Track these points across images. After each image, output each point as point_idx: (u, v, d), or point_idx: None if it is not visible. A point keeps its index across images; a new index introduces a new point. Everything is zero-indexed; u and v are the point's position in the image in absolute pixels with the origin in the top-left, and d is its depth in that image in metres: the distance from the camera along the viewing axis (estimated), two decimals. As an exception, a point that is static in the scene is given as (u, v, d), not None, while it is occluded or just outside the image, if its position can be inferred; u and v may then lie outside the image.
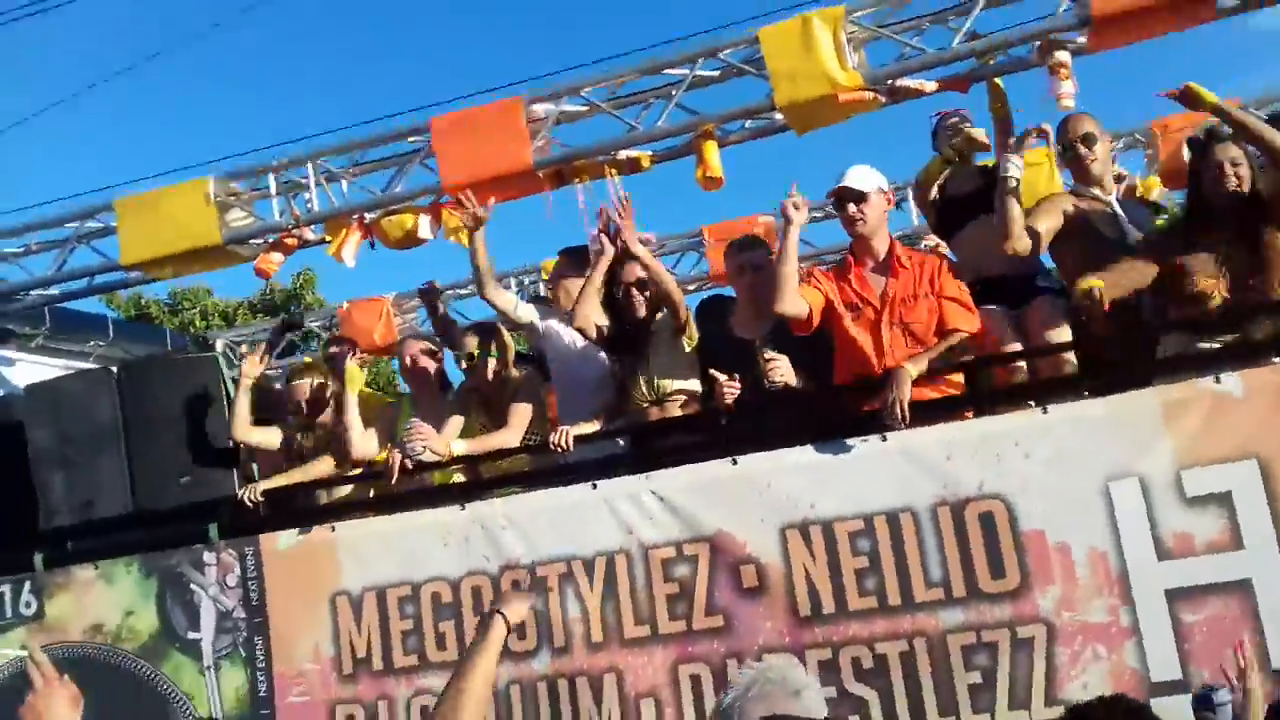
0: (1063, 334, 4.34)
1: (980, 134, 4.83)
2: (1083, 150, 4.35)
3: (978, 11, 4.61)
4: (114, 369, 5.42)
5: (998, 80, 4.78)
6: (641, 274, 4.56)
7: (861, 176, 4.23)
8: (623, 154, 5.15)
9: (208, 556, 4.86)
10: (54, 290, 6.02)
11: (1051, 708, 3.72)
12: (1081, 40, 4.59)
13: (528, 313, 5.00)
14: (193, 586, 4.85)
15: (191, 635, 4.83)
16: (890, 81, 4.73)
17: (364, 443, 5.03)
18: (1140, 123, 6.64)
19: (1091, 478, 3.80)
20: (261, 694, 4.70)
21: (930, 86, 4.80)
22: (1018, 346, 4.36)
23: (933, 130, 4.93)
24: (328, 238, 5.43)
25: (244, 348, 6.94)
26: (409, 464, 4.66)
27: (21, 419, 5.43)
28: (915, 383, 4.02)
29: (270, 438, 5.44)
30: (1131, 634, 3.72)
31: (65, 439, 5.27)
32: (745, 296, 4.64)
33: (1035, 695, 3.78)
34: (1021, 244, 4.21)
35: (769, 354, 4.23)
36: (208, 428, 5.23)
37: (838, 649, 4.02)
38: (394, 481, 4.68)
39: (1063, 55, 4.51)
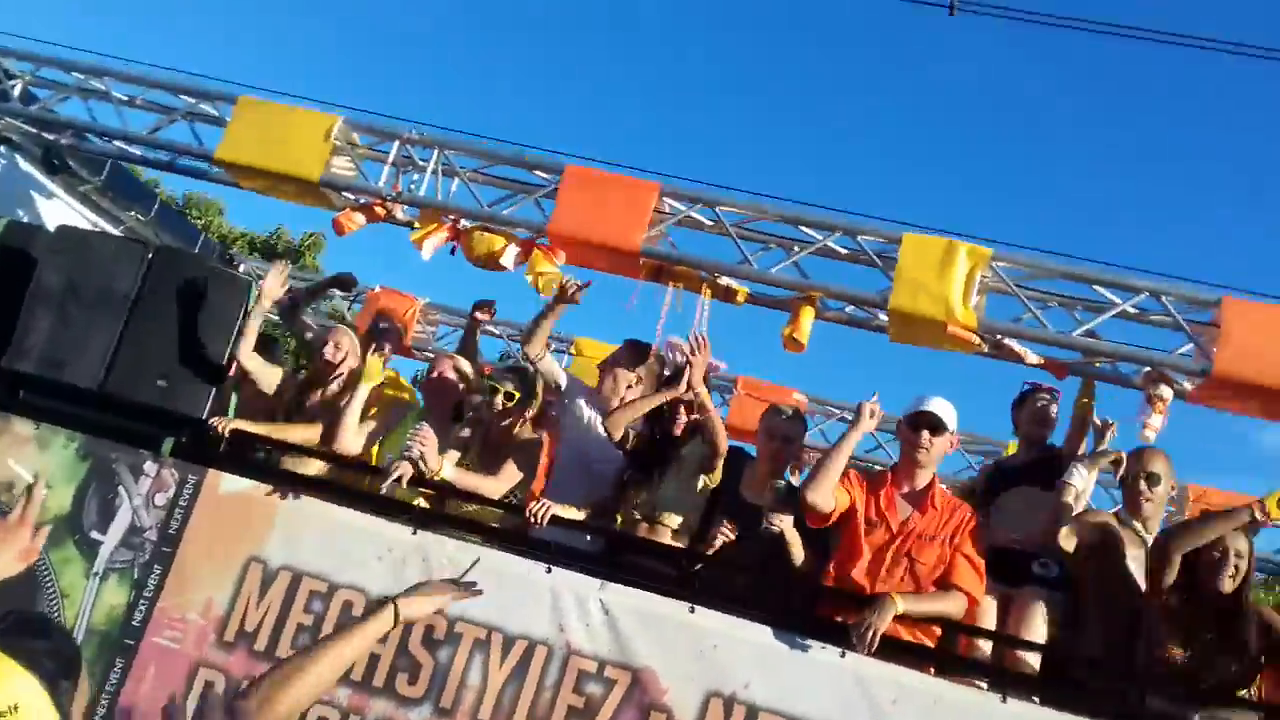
0: (1037, 632, 4.33)
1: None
2: (1143, 486, 4.39)
3: (1106, 317, 4.73)
4: (149, 247, 5.30)
5: (1093, 381, 4.86)
6: (691, 398, 4.55)
7: (946, 410, 4.26)
8: (724, 280, 5.19)
9: (148, 466, 4.68)
10: (135, 150, 5.96)
11: None
12: (1187, 386, 4.69)
13: (563, 379, 4.97)
14: (120, 489, 4.66)
15: (95, 535, 4.61)
16: (999, 337, 4.81)
17: (353, 439, 4.92)
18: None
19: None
20: (134, 623, 4.47)
21: (1033, 359, 4.90)
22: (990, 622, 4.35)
23: (1019, 396, 4.97)
24: (416, 224, 5.41)
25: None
26: (403, 481, 4.54)
27: (38, 254, 5.30)
28: (895, 618, 3.98)
29: (269, 374, 5.33)
30: None
31: (71, 291, 5.12)
32: (766, 463, 4.62)
33: None
34: (1064, 545, 4.22)
35: (776, 509, 4.21)
36: (209, 346, 5.10)
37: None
38: (383, 488, 4.54)
39: (1166, 390, 4.62)
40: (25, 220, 6.60)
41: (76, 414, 4.92)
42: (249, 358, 5.10)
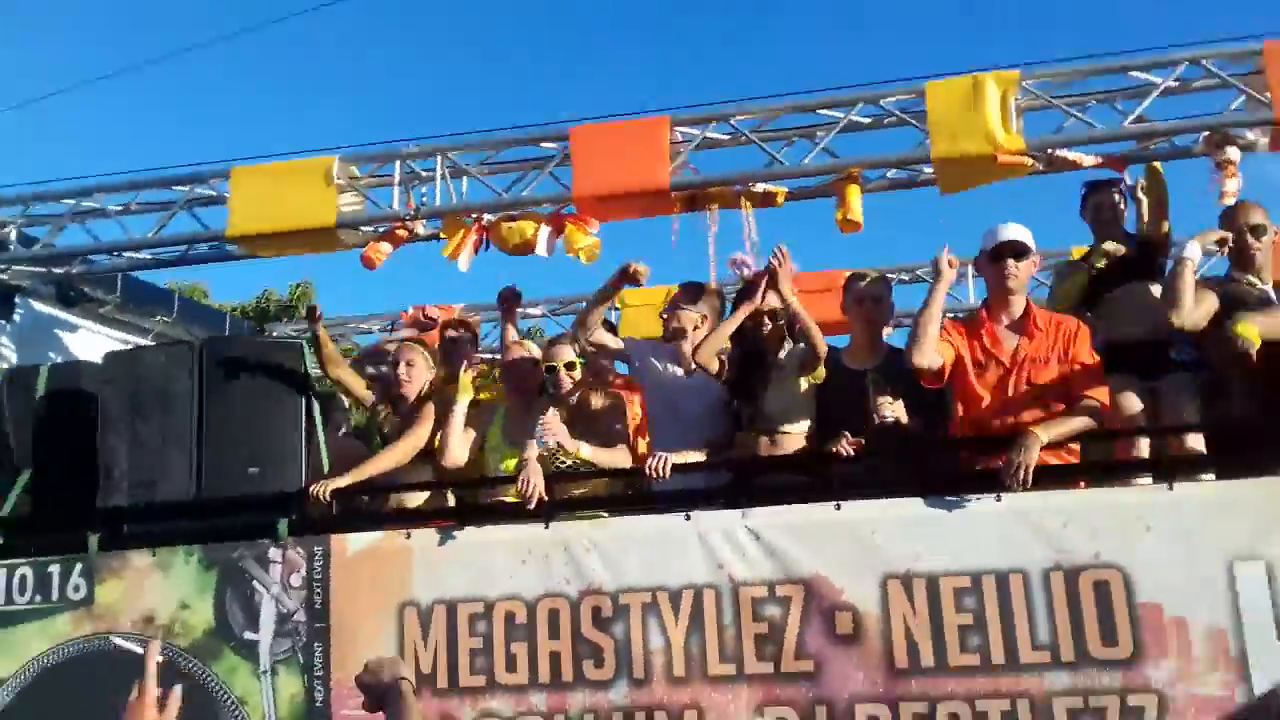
0: (1192, 413, 4.29)
1: (1114, 248, 4.77)
2: (1250, 240, 4.32)
3: (1151, 100, 4.60)
4: (196, 343, 5.26)
5: (1157, 165, 4.74)
6: (777, 304, 4.51)
7: (1024, 234, 4.22)
8: (759, 187, 5.09)
9: (273, 553, 4.70)
10: (144, 255, 5.89)
11: (1158, 777, 3.64)
12: (1254, 138, 4.57)
13: (619, 344, 4.93)
14: (255, 584, 4.68)
15: (249, 636, 4.65)
16: (1050, 151, 4.70)
17: (460, 450, 4.89)
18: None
19: (1216, 557, 3.73)
20: (318, 704, 4.51)
21: (1089, 160, 4.81)
22: (1139, 416, 4.30)
23: (1083, 200, 4.87)
24: (442, 235, 5.34)
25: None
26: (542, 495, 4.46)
27: (91, 387, 5.28)
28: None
29: (360, 387, 5.32)
30: (1247, 713, 3.64)
31: (137, 413, 5.11)
32: (860, 327, 4.61)
33: (1142, 765, 3.68)
34: (1189, 318, 4.15)
35: (882, 388, 4.20)
36: (284, 418, 5.08)
37: (935, 704, 3.90)
38: (533, 505, 4.47)
39: (1233, 151, 4.52)
40: (59, 360, 6.59)
41: (185, 528, 4.93)
42: (339, 370, 5.13)
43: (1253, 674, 3.64)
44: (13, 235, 6.13)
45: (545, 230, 5.26)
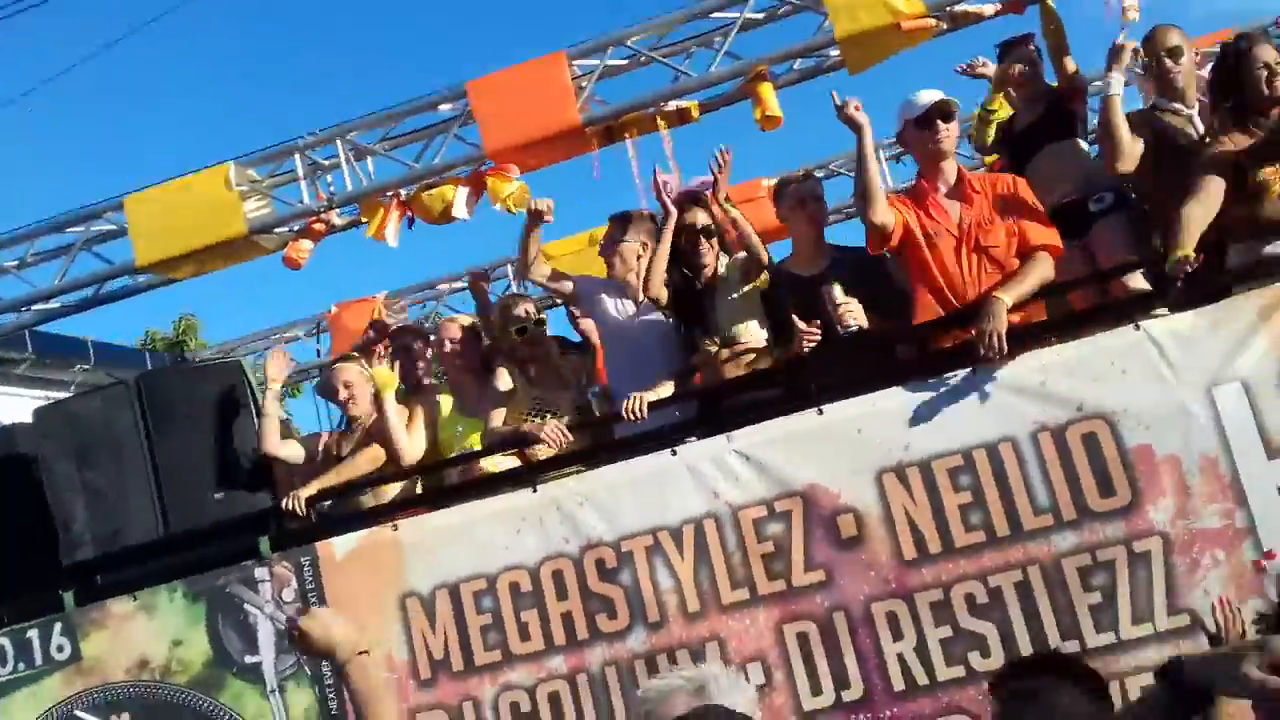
0: (1129, 253, 4.33)
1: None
2: (1169, 64, 4.34)
3: None
4: (131, 381, 5.07)
5: (1049, 1, 4.76)
6: (707, 221, 4.44)
7: (944, 95, 4.17)
8: (671, 105, 5.00)
9: (259, 572, 4.56)
10: (54, 304, 5.62)
11: (1174, 617, 3.70)
12: None
13: (569, 284, 4.84)
14: (246, 607, 4.54)
15: (250, 659, 4.52)
16: (949, 8, 4.67)
17: (414, 444, 4.80)
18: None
19: (1193, 387, 3.77)
20: (334, 712, 4.41)
21: (989, 10, 4.79)
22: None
23: (999, 59, 4.87)
24: (363, 219, 5.18)
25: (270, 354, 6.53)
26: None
27: (31, 448, 5.06)
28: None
29: (296, 452, 5.16)
30: (1248, 534, 3.69)
31: (84, 463, 4.93)
32: (805, 229, 4.54)
33: (1157, 608, 3.73)
34: (1132, 160, 4.15)
35: (839, 298, 4.15)
36: (237, 438, 4.95)
37: (949, 588, 3.92)
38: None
39: None
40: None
41: (160, 568, 4.77)
42: (275, 447, 4.93)
43: (1249, 498, 3.70)
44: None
45: (462, 191, 5.13)
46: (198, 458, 4.94)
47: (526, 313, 4.74)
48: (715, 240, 4.54)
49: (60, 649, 4.69)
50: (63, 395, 7.01)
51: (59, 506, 4.93)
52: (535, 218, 4.60)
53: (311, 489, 4.78)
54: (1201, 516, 3.74)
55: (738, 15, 4.88)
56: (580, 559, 4.27)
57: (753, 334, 4.52)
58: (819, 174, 6.91)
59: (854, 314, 4.12)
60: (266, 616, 4.52)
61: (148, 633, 4.63)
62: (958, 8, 4.72)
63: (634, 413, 4.36)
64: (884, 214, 4.12)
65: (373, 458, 4.93)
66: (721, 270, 4.61)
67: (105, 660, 4.64)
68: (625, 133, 4.99)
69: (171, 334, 18.46)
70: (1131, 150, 4.17)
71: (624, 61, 5.07)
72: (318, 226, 5.25)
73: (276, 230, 5.25)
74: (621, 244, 4.78)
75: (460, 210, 5.16)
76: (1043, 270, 4.10)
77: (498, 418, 4.81)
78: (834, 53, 4.84)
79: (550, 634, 4.26)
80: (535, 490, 4.37)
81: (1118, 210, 4.49)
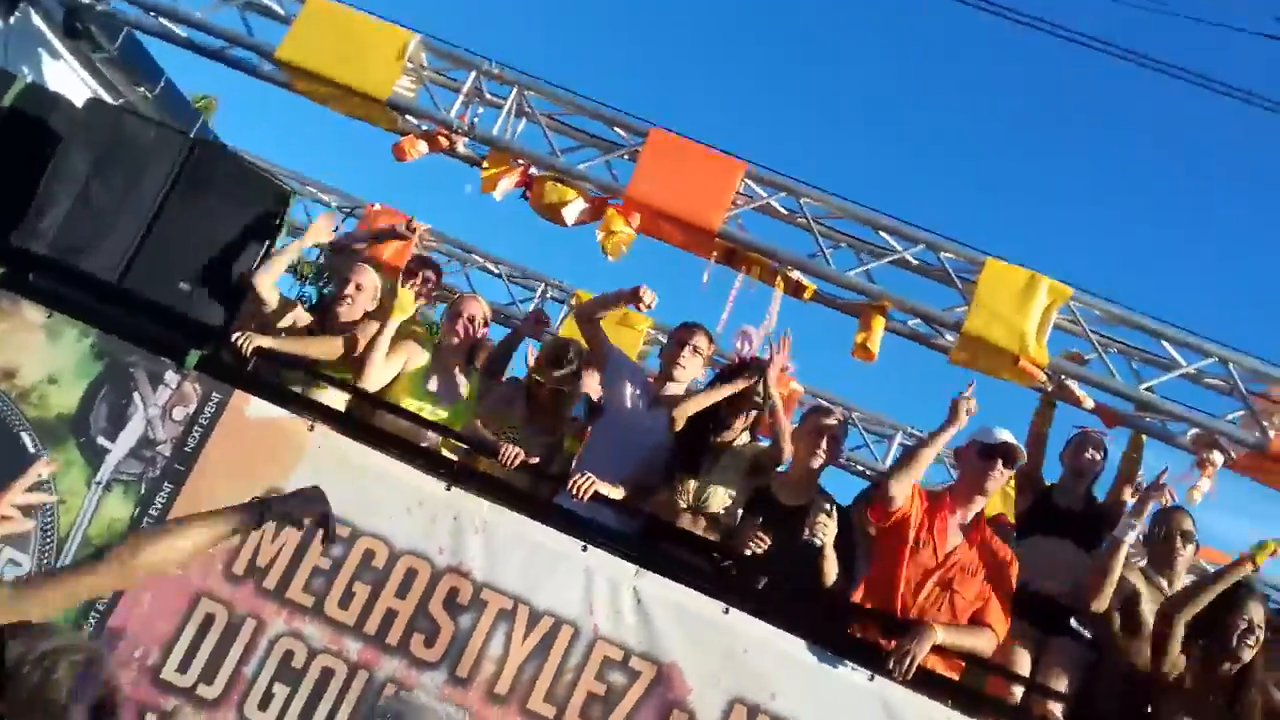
0: (1064, 684, 4.38)
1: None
2: (1179, 544, 4.45)
3: (1170, 376, 4.75)
4: (188, 138, 4.94)
5: (1143, 436, 4.89)
6: (758, 394, 4.45)
7: (1018, 443, 4.26)
8: (794, 273, 5.07)
9: (169, 377, 4.39)
10: (179, 29, 5.49)
11: None
12: (1236, 457, 4.75)
13: (604, 344, 4.82)
14: (135, 395, 4.37)
15: (102, 441, 4.32)
16: (1063, 377, 4.80)
17: (380, 374, 4.70)
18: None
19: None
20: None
21: (1089, 404, 4.90)
22: (1024, 668, 4.38)
23: (1074, 440, 4.97)
24: (486, 164, 5.14)
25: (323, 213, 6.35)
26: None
27: (60, 127, 4.91)
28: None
29: (273, 298, 5.02)
30: None
31: (97, 173, 4.76)
32: (808, 461, 4.52)
33: None
34: (1103, 606, 4.25)
35: (824, 518, 4.17)
36: (240, 254, 4.81)
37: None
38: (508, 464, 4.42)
39: (1219, 456, 4.67)
40: (32, 80, 6.12)
41: (91, 307, 4.59)
42: (263, 283, 4.80)
43: None
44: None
45: (579, 204, 5.12)
46: (194, 243, 4.77)
47: (572, 364, 4.70)
48: (752, 415, 4.55)
49: (-45, 308, 4.48)
50: (109, 99, 6.84)
51: (45, 192, 4.74)
52: (633, 299, 4.56)
53: (267, 342, 4.65)
54: None
55: (900, 249, 4.99)
56: (440, 574, 4.15)
57: (721, 508, 4.49)
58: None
59: (826, 532, 4.13)
60: (144, 416, 4.34)
61: (34, 352, 4.44)
62: (1068, 380, 4.85)
63: (580, 489, 4.30)
64: (904, 492, 4.17)
65: (328, 350, 4.81)
66: (738, 443, 4.57)
67: (-17, 344, 4.44)
68: (744, 265, 5.04)
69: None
70: (1107, 600, 4.27)
71: (784, 210, 5.14)
72: (443, 140, 5.21)
73: (410, 117, 5.21)
74: (694, 356, 4.72)
75: (569, 216, 5.15)
76: (984, 642, 4.15)
77: (489, 423, 4.75)
78: (950, 336, 4.94)
79: (366, 618, 4.11)
80: (449, 489, 4.28)
81: (1090, 647, 4.55)
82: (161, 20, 5.59)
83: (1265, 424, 4.71)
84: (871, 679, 4.00)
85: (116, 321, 4.55)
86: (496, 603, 4.12)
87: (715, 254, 5.03)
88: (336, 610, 4.12)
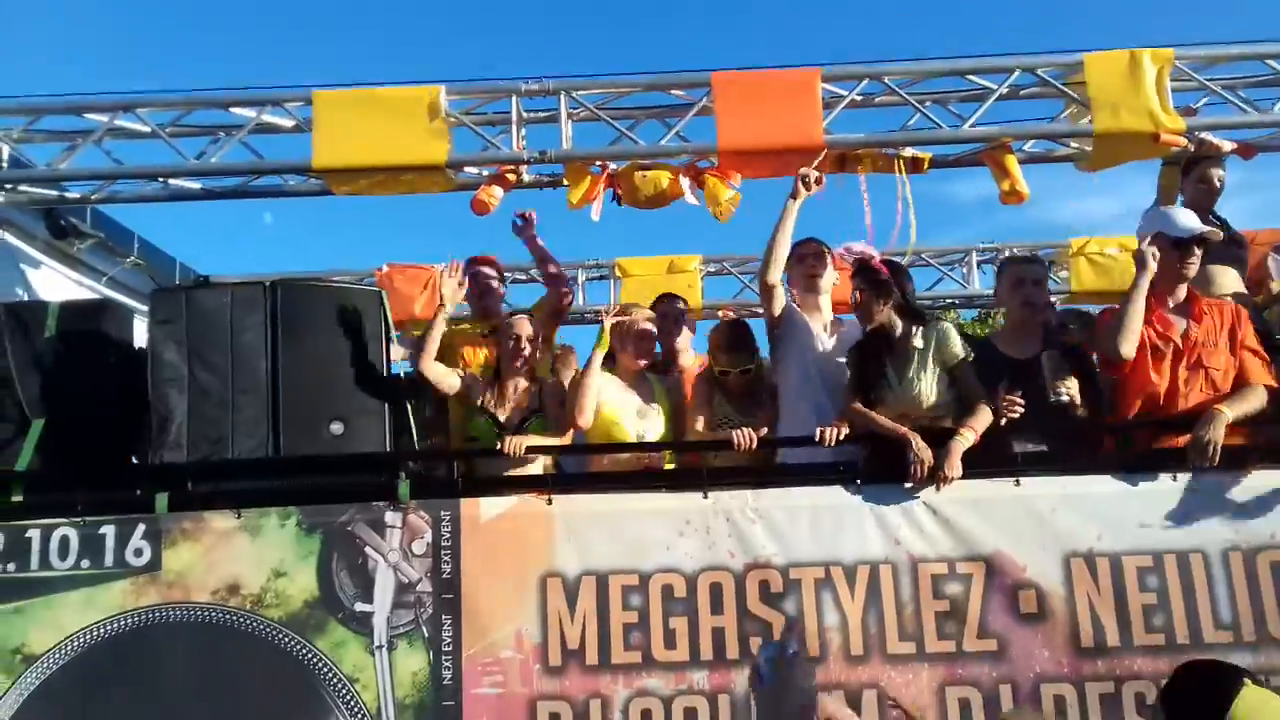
0: None
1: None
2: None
3: None
4: (267, 283, 4.64)
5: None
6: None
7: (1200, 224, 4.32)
8: (907, 151, 4.96)
9: (390, 517, 4.21)
10: (194, 184, 5.08)
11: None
12: None
13: (780, 303, 4.72)
14: (368, 550, 4.18)
15: (361, 607, 4.13)
16: (1198, 132, 4.83)
17: (593, 408, 4.55)
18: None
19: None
20: (445, 681, 4.07)
21: (1228, 146, 4.96)
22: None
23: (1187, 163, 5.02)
24: (565, 183, 4.90)
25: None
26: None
27: (127, 331, 4.59)
28: None
29: (451, 378, 4.83)
30: None
31: (196, 359, 4.47)
32: (1020, 312, 4.54)
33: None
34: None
35: (1058, 367, 4.19)
36: (366, 372, 4.58)
37: (1120, 683, 3.95)
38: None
39: None
40: (23, 296, 5.69)
41: (271, 489, 4.35)
42: (430, 367, 4.61)
43: None
44: (4, 153, 5.16)
45: (687, 180, 4.94)
46: (323, 381, 4.51)
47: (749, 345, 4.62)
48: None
49: (139, 553, 4.21)
50: (96, 285, 6.39)
51: (158, 399, 4.43)
52: (795, 193, 4.44)
53: (536, 440, 4.51)
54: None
55: (995, 86, 4.90)
56: (743, 576, 4.12)
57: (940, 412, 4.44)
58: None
59: (1069, 386, 4.16)
60: (389, 565, 4.17)
61: (247, 556, 4.20)
62: (1202, 134, 4.88)
63: (829, 440, 4.25)
64: (1132, 348, 4.21)
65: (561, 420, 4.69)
66: (918, 343, 4.50)
67: (190, 576, 4.17)
68: (859, 165, 4.94)
69: None
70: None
71: (879, 95, 5.01)
72: (510, 176, 4.95)
73: (470, 169, 4.93)
74: (822, 261, 4.70)
75: (690, 197, 4.97)
76: (1260, 400, 4.22)
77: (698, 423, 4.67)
78: (1073, 143, 4.92)
79: (698, 646, 4.07)
80: (706, 496, 4.21)
81: None
82: (171, 183, 5.15)
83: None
84: (1174, 479, 4.10)
85: (307, 491, 4.32)
86: (810, 576, 4.10)
87: (827, 167, 4.89)
88: (665, 653, 4.07)
